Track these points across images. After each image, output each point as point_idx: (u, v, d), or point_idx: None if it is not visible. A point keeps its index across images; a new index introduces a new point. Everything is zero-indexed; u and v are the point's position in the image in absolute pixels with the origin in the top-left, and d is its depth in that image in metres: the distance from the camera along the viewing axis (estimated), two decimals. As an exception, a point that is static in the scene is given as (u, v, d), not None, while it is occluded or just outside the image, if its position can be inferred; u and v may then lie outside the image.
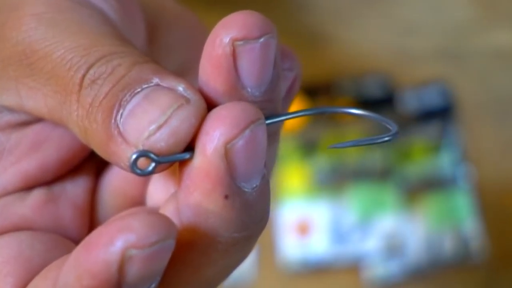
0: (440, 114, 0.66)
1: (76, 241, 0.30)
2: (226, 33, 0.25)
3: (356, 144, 0.28)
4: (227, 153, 0.25)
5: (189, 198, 0.25)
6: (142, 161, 0.25)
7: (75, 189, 0.30)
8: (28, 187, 0.29)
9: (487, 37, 0.69)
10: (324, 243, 0.62)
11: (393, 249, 0.61)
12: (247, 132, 0.25)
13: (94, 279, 0.23)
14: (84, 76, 0.26)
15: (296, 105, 0.66)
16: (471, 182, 0.63)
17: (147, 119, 0.25)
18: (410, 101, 0.66)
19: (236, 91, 0.25)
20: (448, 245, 0.61)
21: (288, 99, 0.29)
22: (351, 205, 0.62)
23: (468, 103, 0.66)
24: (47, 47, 0.27)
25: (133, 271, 0.23)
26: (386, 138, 0.27)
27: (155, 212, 0.25)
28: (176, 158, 0.25)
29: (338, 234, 0.62)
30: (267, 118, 0.26)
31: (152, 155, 0.25)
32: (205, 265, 0.27)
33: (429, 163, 0.64)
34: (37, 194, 0.30)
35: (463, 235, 0.62)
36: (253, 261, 0.61)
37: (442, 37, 0.69)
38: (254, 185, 0.25)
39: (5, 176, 0.29)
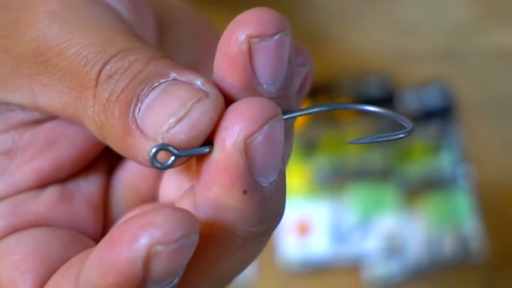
0: (440, 114, 0.66)
1: (91, 238, 0.30)
2: (242, 30, 0.25)
3: (373, 141, 0.29)
4: (246, 148, 0.25)
5: (207, 192, 0.25)
6: (161, 155, 0.25)
7: (88, 187, 0.31)
8: (42, 185, 0.30)
9: (487, 37, 0.69)
10: (324, 243, 0.62)
11: (393, 249, 0.61)
12: (266, 127, 0.25)
13: (119, 276, 0.23)
14: (100, 71, 0.26)
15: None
16: (471, 182, 0.63)
17: (166, 112, 0.25)
18: (410, 101, 0.66)
19: (251, 87, 0.26)
20: (448, 245, 0.61)
21: (301, 94, 0.29)
22: (351, 205, 0.62)
23: (468, 103, 0.66)
24: (62, 44, 0.27)
25: (159, 267, 0.23)
26: (402, 135, 0.27)
27: (177, 207, 0.25)
28: (195, 152, 0.25)
29: (338, 234, 0.62)
30: (283, 113, 0.26)
31: (171, 149, 0.25)
32: (222, 258, 0.27)
33: (429, 163, 0.64)
34: (51, 192, 0.30)
35: (463, 235, 0.62)
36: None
37: (442, 37, 0.69)
38: (272, 180, 0.26)
39: (19, 174, 0.29)
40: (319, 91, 0.66)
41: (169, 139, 0.25)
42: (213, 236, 0.26)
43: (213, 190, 0.25)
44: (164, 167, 0.25)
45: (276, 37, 0.25)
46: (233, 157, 0.25)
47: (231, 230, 0.26)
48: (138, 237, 0.23)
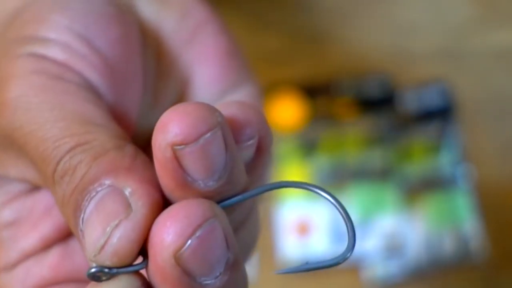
0: (440, 114, 0.66)
1: None
2: (163, 138, 0.25)
3: (305, 269, 0.27)
4: (178, 261, 0.25)
5: None
6: (98, 273, 0.26)
7: None
8: (47, 247, 0.31)
9: (487, 37, 0.69)
10: (324, 243, 0.62)
11: (393, 249, 0.61)
12: (195, 237, 0.24)
13: None
14: (54, 172, 0.27)
15: (296, 105, 0.66)
16: (471, 182, 0.63)
17: (93, 236, 0.25)
18: (410, 101, 0.66)
19: (187, 186, 0.25)
20: (448, 245, 0.61)
21: (260, 160, 0.28)
22: (351, 205, 0.62)
23: (468, 103, 0.66)
24: (24, 136, 0.28)
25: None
26: (348, 255, 0.27)
27: (126, 277, 0.26)
28: (129, 270, 0.26)
29: (338, 234, 0.62)
30: (228, 198, 0.26)
31: (106, 270, 0.25)
32: None
33: (429, 163, 0.64)
34: (55, 253, 0.31)
35: (463, 235, 0.62)
36: (253, 261, 0.61)
37: (442, 37, 0.69)
38: (218, 273, 0.25)
39: (26, 242, 0.30)
40: (319, 91, 0.66)
41: (99, 262, 0.25)
42: None
43: None
44: (101, 281, 0.26)
45: (201, 140, 0.24)
46: (166, 271, 0.25)
47: None
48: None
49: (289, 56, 0.68)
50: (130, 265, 0.26)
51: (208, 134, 0.24)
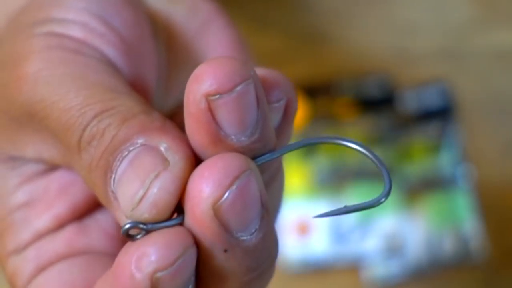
0: (440, 114, 0.66)
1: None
2: (198, 89, 0.24)
3: (343, 212, 0.28)
4: (216, 213, 0.24)
5: None
6: (133, 230, 0.25)
7: (105, 218, 0.31)
8: (61, 227, 0.30)
9: (487, 37, 0.69)
10: (324, 243, 0.62)
11: (393, 249, 0.61)
12: (233, 187, 0.24)
13: None
14: (80, 138, 0.27)
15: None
16: (471, 182, 0.63)
17: (131, 190, 0.25)
18: (410, 101, 0.66)
19: (220, 141, 0.25)
20: (448, 245, 0.61)
21: (285, 126, 0.28)
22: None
23: (468, 103, 0.66)
24: (46, 109, 0.28)
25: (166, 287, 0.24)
26: (382, 199, 0.27)
27: (167, 230, 0.25)
28: (165, 225, 0.25)
29: (338, 234, 0.62)
30: (260, 156, 0.26)
31: (141, 226, 0.25)
32: None
33: (429, 163, 0.64)
34: (69, 230, 0.31)
35: (463, 235, 0.62)
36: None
37: (442, 37, 0.69)
38: (254, 230, 0.25)
39: (40, 222, 0.30)
40: (319, 91, 0.66)
41: (136, 217, 0.25)
42: None
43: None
44: (136, 240, 0.26)
45: (235, 90, 0.24)
46: (205, 224, 0.25)
47: (222, 284, 0.26)
48: (136, 270, 0.24)
49: (289, 56, 0.68)
50: (166, 220, 0.25)
51: (243, 84, 0.24)
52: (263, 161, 0.26)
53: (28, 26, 0.30)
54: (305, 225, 0.62)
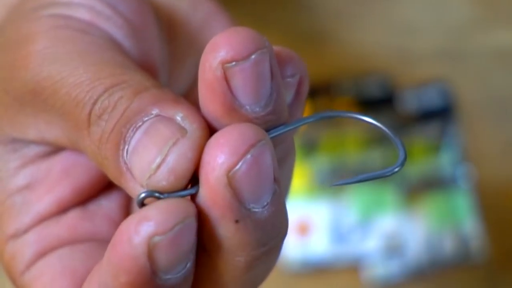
0: (440, 114, 0.66)
1: None
2: (214, 57, 0.25)
3: (361, 180, 0.28)
4: (230, 181, 0.24)
5: (201, 225, 0.26)
6: (149, 199, 0.25)
7: (110, 204, 0.31)
8: (63, 211, 0.30)
9: (487, 37, 0.69)
10: (324, 243, 0.62)
11: (393, 249, 0.61)
12: (248, 157, 0.24)
13: (129, 274, 0.24)
14: (90, 112, 0.26)
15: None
16: (471, 182, 0.63)
17: (147, 158, 0.25)
18: (410, 101, 0.66)
19: (235, 111, 0.25)
20: (448, 245, 0.61)
21: (297, 103, 0.28)
22: (351, 205, 0.62)
23: (468, 103, 0.66)
24: (54, 85, 0.27)
25: (163, 256, 0.24)
26: (396, 169, 0.27)
27: (172, 199, 0.25)
28: (182, 194, 0.25)
29: (338, 234, 0.62)
30: (273, 129, 0.26)
31: (157, 194, 0.25)
32: (230, 282, 0.27)
33: (429, 163, 0.64)
34: (73, 215, 0.30)
35: (463, 235, 0.62)
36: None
37: (442, 37, 0.69)
38: (265, 203, 0.25)
39: (41, 205, 0.30)
40: (319, 91, 0.66)
41: (152, 186, 0.25)
42: (215, 266, 0.26)
43: (206, 223, 0.25)
44: None
45: (252, 57, 0.25)
46: (218, 191, 0.25)
47: (231, 258, 0.26)
48: (135, 234, 0.24)
49: (289, 56, 0.68)
50: (181, 190, 0.25)
51: (258, 52, 0.25)
52: (276, 133, 0.26)
53: (33, 10, 0.29)
54: (305, 225, 0.62)
